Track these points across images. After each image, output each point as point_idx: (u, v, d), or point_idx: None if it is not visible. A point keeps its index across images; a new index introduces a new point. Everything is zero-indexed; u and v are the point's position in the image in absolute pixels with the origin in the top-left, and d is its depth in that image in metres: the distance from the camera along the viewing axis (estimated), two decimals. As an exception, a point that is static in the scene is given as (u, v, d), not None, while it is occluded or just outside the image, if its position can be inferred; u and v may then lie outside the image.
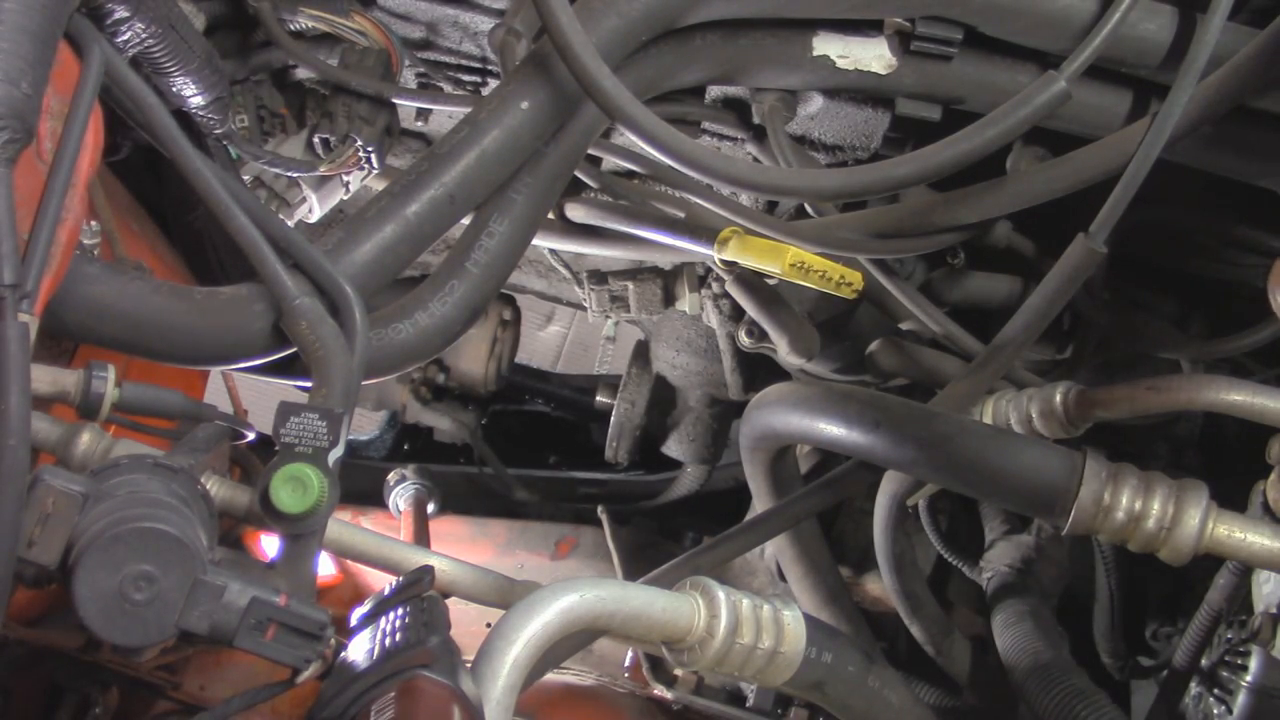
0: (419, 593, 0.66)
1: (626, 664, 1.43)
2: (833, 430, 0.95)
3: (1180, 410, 0.93)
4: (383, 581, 0.73)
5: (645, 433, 1.66)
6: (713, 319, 1.41)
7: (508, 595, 0.85)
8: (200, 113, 1.02)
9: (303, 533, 0.66)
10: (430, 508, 1.61)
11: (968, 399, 0.99)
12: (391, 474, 1.66)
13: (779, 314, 1.16)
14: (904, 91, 0.99)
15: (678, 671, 1.31)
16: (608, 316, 1.46)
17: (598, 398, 1.82)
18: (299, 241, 0.80)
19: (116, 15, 0.86)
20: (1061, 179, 0.95)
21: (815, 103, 1.05)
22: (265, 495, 0.64)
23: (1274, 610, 0.96)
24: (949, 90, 0.98)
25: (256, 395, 1.39)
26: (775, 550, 1.34)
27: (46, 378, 0.72)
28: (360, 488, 1.72)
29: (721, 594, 0.74)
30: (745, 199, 1.20)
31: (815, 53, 0.97)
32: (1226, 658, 0.99)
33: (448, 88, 1.21)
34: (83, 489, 0.55)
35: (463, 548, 1.67)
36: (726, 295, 1.30)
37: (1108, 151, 0.93)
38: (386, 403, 1.95)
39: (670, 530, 1.67)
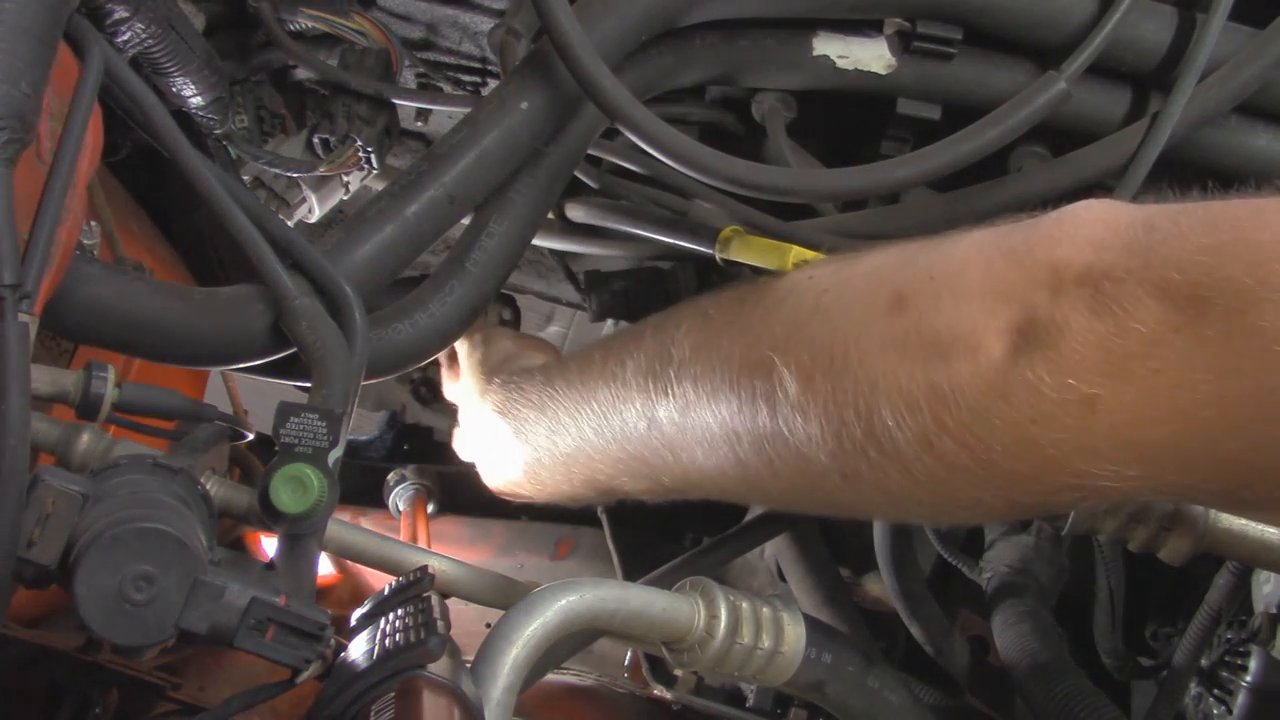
0: (419, 593, 0.66)
1: (626, 664, 1.43)
2: (833, 430, 0.95)
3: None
4: (383, 581, 0.73)
5: (645, 433, 1.65)
6: (713, 319, 1.40)
7: (508, 595, 0.85)
8: (200, 113, 1.02)
9: (303, 533, 0.66)
10: (430, 508, 1.61)
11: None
12: (391, 474, 1.66)
13: (779, 314, 1.16)
14: (904, 91, 0.99)
15: (678, 671, 1.31)
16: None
17: (598, 398, 1.81)
18: (299, 241, 0.80)
19: (116, 15, 0.86)
20: (1061, 179, 0.94)
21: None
22: (265, 495, 0.64)
23: (1274, 610, 0.96)
24: (949, 90, 0.98)
25: (256, 395, 1.39)
26: (775, 550, 1.34)
27: (46, 378, 0.72)
28: (360, 488, 1.72)
29: (721, 594, 0.74)
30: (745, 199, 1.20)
31: (815, 53, 0.97)
32: (1226, 658, 0.99)
33: (448, 88, 1.21)
34: (83, 489, 0.55)
35: (463, 548, 1.67)
36: (726, 295, 1.30)
37: (1108, 151, 0.93)
38: (386, 403, 1.94)
39: (670, 530, 1.67)
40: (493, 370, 1.01)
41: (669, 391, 0.77)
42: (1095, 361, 0.57)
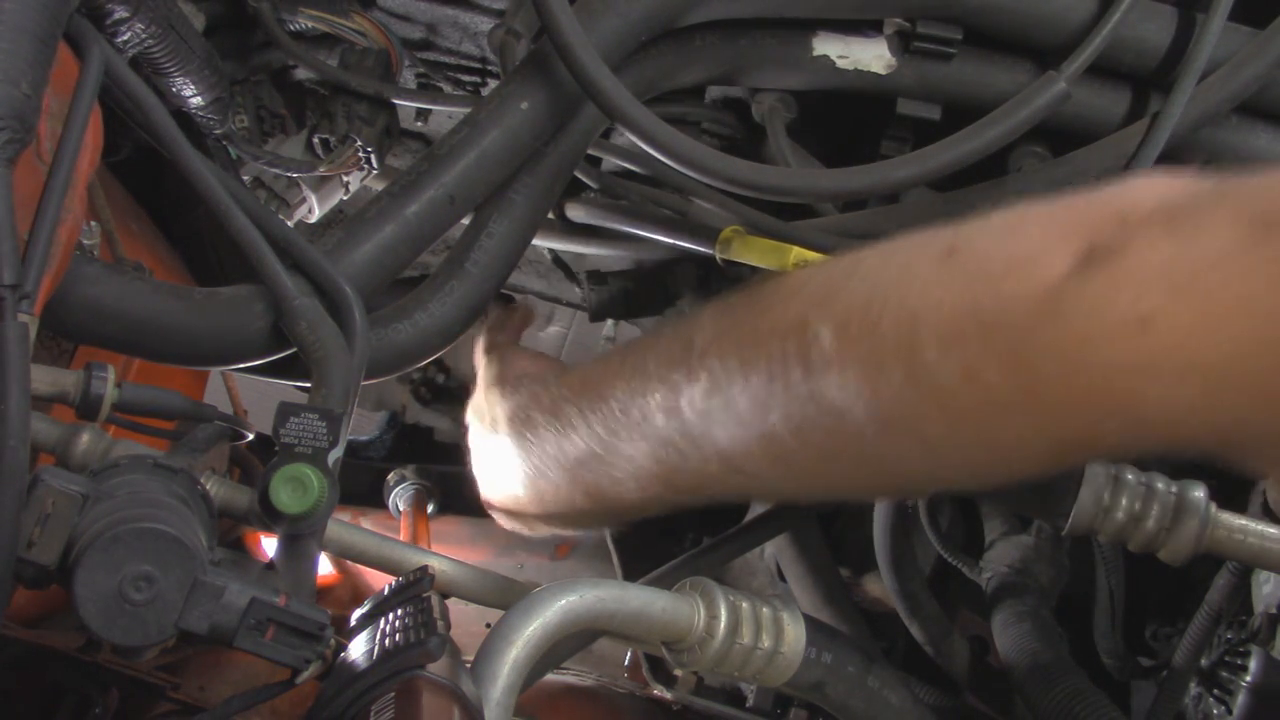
0: (419, 593, 0.65)
1: (626, 664, 1.43)
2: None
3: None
4: (383, 581, 0.73)
5: (645, 433, 1.65)
6: (713, 319, 1.40)
7: (508, 595, 0.85)
8: (200, 113, 1.02)
9: (302, 533, 0.66)
10: (430, 508, 1.61)
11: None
12: (391, 474, 1.66)
13: (779, 314, 1.16)
14: (904, 91, 0.99)
15: (678, 671, 1.31)
16: (608, 317, 1.46)
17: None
18: (299, 241, 0.80)
19: (116, 15, 0.86)
20: (1061, 179, 0.95)
21: (815, 103, 1.05)
22: (265, 495, 0.64)
23: (1274, 610, 0.96)
24: (949, 90, 0.98)
25: (256, 395, 1.39)
26: (775, 550, 1.34)
27: (46, 378, 0.72)
28: (360, 488, 1.72)
29: (721, 594, 0.74)
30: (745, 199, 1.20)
31: (815, 53, 0.97)
32: (1226, 658, 0.99)
33: (448, 88, 1.21)
34: (83, 489, 0.55)
35: (463, 548, 1.67)
36: (727, 295, 1.30)
37: (1108, 151, 0.93)
38: (386, 403, 1.95)
39: (670, 530, 1.67)
40: (506, 383, 0.98)
41: (692, 376, 0.74)
42: (1156, 278, 0.55)
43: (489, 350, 1.04)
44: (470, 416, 1.00)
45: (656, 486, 0.80)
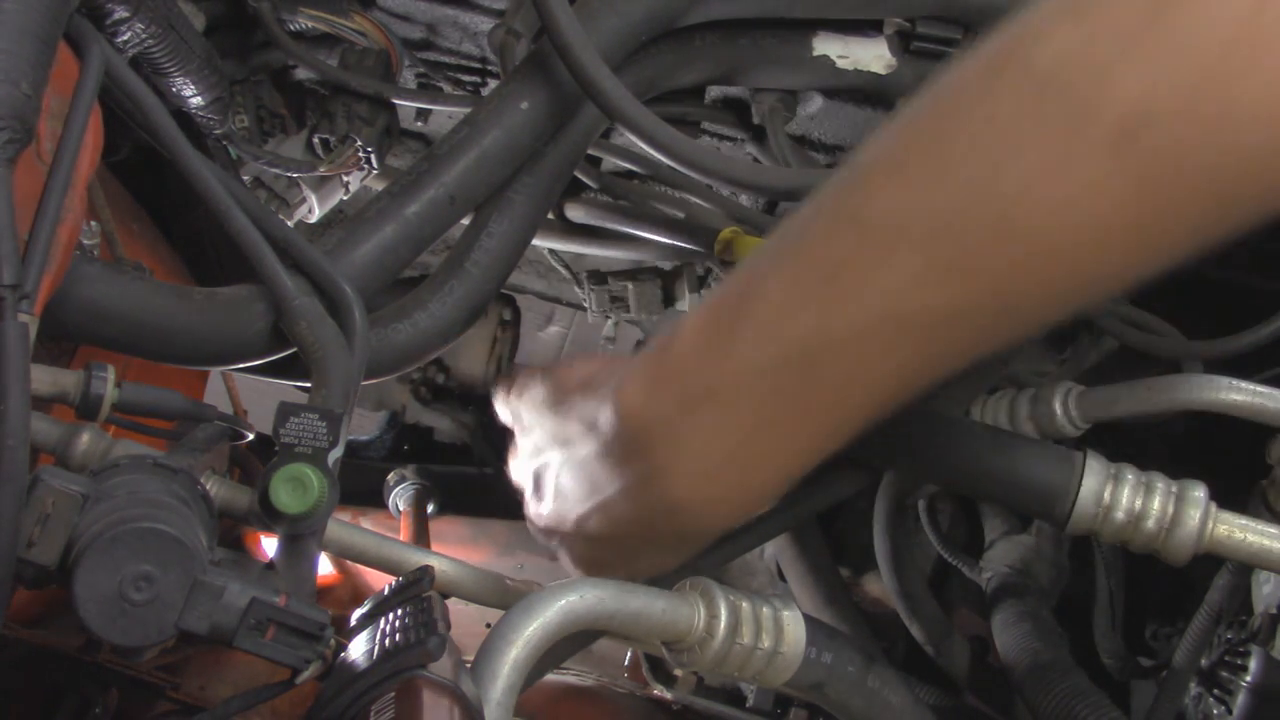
0: (419, 593, 0.65)
1: (626, 664, 1.43)
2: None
3: (1180, 410, 0.93)
4: (383, 581, 0.73)
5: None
6: (713, 319, 1.40)
7: (507, 596, 0.85)
8: (200, 113, 1.02)
9: (303, 533, 0.66)
10: (430, 508, 1.61)
11: (967, 398, 0.99)
12: (391, 474, 1.66)
13: (779, 314, 1.16)
14: (904, 91, 0.99)
15: (678, 671, 1.31)
16: (608, 316, 1.46)
17: (598, 398, 1.81)
18: (299, 241, 0.80)
19: (116, 15, 0.86)
20: (1061, 179, 0.94)
21: (815, 103, 1.05)
22: (265, 495, 0.64)
23: (1274, 610, 0.96)
24: (949, 90, 0.98)
25: (257, 395, 1.39)
26: (775, 550, 1.34)
27: (46, 378, 0.72)
28: (360, 488, 1.72)
29: (721, 594, 0.74)
30: (745, 199, 1.20)
31: (815, 53, 0.97)
32: (1226, 658, 0.99)
33: (448, 88, 1.21)
34: (83, 489, 0.55)
35: (463, 548, 1.67)
36: (726, 295, 1.30)
37: (1108, 151, 0.93)
38: (386, 403, 1.95)
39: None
40: (580, 390, 0.75)
41: (864, 184, 0.57)
42: None
43: (516, 382, 0.83)
44: (537, 452, 0.79)
45: (889, 358, 0.60)
